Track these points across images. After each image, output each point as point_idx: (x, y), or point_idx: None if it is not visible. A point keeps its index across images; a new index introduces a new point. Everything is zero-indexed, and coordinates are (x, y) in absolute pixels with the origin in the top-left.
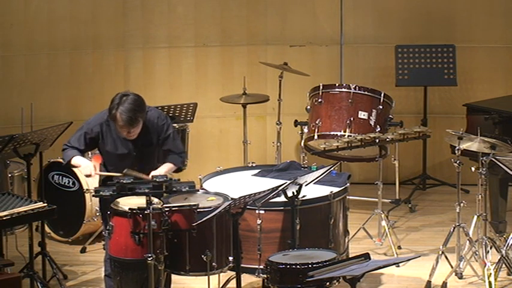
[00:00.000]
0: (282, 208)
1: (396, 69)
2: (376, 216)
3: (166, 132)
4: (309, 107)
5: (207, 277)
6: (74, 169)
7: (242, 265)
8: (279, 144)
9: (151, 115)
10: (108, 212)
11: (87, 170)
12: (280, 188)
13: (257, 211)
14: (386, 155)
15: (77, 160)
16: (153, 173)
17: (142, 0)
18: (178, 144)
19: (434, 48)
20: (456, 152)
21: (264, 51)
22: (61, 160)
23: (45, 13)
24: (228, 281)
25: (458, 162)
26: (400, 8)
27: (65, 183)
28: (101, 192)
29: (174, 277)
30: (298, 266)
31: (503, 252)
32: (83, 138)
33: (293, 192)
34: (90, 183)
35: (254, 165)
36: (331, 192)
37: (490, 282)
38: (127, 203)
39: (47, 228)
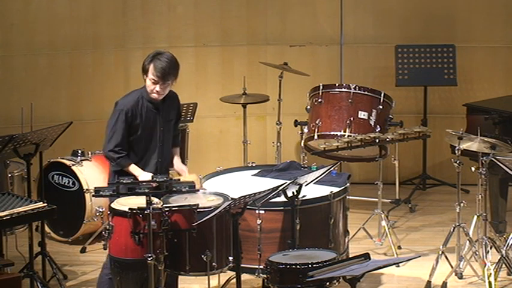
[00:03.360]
0: (282, 208)
1: (396, 69)
2: (376, 216)
3: (180, 110)
4: (309, 107)
5: (207, 277)
6: (74, 169)
7: (242, 265)
8: (279, 144)
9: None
10: (108, 212)
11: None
12: (280, 188)
13: (257, 211)
14: (387, 155)
15: (134, 171)
16: (180, 167)
17: (142, 0)
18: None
19: (434, 48)
20: (456, 152)
21: (264, 51)
22: (61, 160)
23: (45, 13)
24: (228, 281)
25: (458, 162)
26: (400, 8)
27: (65, 183)
28: (101, 192)
29: None
30: (298, 266)
31: (503, 252)
32: (123, 124)
33: (293, 192)
34: (90, 183)
35: (254, 165)
36: (331, 192)
37: (490, 282)
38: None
39: (47, 228)
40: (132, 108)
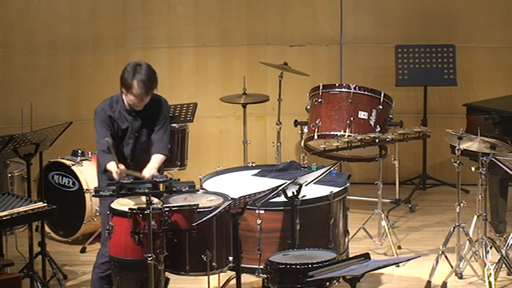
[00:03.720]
0: (282, 208)
1: (396, 69)
2: (376, 216)
3: (164, 113)
4: (309, 107)
5: (207, 277)
6: (74, 169)
7: (242, 265)
8: (279, 144)
9: (154, 95)
10: (108, 212)
11: (115, 174)
12: (280, 188)
13: (257, 211)
14: (387, 155)
15: (109, 167)
16: (145, 171)
17: (142, 0)
18: (167, 139)
19: (434, 48)
20: (456, 152)
21: (264, 51)
22: (61, 160)
23: (45, 13)
24: (228, 281)
25: (458, 162)
26: (400, 8)
27: (65, 183)
28: (101, 192)
29: (174, 277)
30: (298, 266)
31: (503, 252)
32: (102, 126)
33: (293, 192)
34: (90, 183)
35: (254, 165)
36: (331, 192)
37: (490, 282)
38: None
39: (47, 228)
40: (105, 110)
